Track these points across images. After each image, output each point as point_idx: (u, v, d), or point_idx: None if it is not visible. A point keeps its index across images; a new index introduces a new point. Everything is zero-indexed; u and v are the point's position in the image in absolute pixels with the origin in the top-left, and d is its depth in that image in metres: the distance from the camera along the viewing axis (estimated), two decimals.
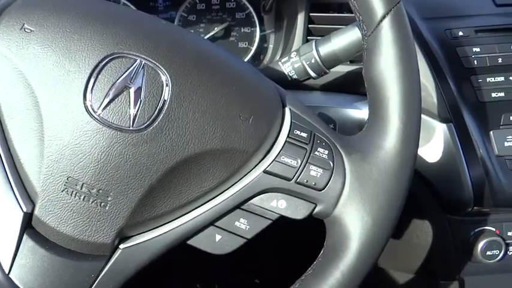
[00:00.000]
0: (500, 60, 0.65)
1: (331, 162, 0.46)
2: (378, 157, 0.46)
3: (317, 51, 0.60)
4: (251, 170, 0.46)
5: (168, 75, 0.44)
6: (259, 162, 0.46)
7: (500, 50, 0.65)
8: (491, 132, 0.64)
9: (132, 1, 0.78)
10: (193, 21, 0.80)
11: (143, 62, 0.44)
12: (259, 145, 0.45)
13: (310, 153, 0.46)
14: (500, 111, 0.64)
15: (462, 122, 0.64)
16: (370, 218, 0.45)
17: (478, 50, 0.65)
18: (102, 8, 0.47)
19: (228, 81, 0.46)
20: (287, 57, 0.62)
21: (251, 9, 0.80)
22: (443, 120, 0.64)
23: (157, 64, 0.44)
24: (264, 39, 0.81)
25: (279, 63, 0.62)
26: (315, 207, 0.46)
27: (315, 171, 0.45)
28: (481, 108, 0.64)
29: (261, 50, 0.81)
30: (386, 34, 0.46)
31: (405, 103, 0.46)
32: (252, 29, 0.81)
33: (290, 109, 0.47)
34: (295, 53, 0.61)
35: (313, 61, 0.60)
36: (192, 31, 0.80)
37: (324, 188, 0.45)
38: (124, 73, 0.43)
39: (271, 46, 0.82)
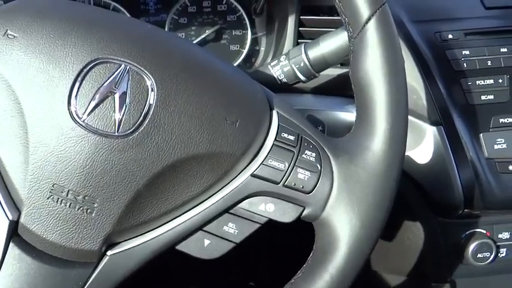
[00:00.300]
0: (489, 63, 0.65)
1: (318, 165, 0.45)
2: (366, 159, 0.46)
3: (306, 54, 0.60)
4: (239, 174, 0.45)
5: (153, 80, 0.44)
6: (247, 165, 0.45)
7: (489, 53, 0.65)
8: (481, 135, 0.64)
9: (123, 4, 0.77)
10: (185, 24, 0.79)
11: (128, 67, 0.43)
12: (247, 149, 0.45)
13: (297, 156, 0.45)
14: (490, 114, 0.64)
15: (452, 125, 0.64)
16: (358, 220, 0.45)
17: (467, 52, 0.65)
18: (86, 13, 0.47)
19: (214, 85, 0.46)
20: (276, 60, 0.62)
21: (242, 11, 0.80)
22: (433, 123, 0.64)
23: (142, 69, 0.44)
24: (255, 42, 0.81)
25: (269, 66, 0.62)
26: (303, 210, 0.46)
27: (302, 174, 0.45)
28: (471, 111, 0.64)
29: (253, 53, 0.81)
30: (372, 36, 0.46)
31: (391, 104, 0.46)
32: (244, 31, 0.80)
33: (277, 112, 0.47)
34: (284, 56, 0.61)
35: (302, 65, 0.60)
36: (183, 34, 0.80)
37: (311, 191, 0.45)
38: (108, 78, 0.43)
39: (262, 49, 0.81)
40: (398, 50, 0.48)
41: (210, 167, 0.44)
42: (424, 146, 0.64)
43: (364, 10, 0.46)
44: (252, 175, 0.45)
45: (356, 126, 0.48)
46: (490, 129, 0.64)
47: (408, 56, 0.65)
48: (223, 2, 0.80)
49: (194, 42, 0.79)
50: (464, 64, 0.65)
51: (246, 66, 0.81)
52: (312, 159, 0.46)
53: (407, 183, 0.64)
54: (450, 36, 0.67)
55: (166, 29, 0.79)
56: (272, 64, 0.62)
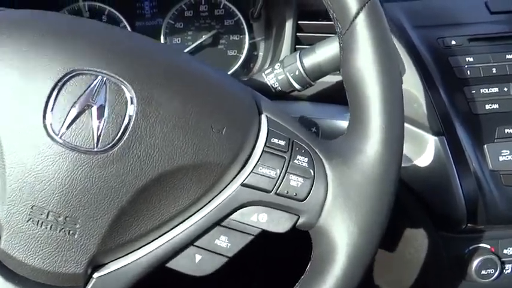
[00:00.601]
0: (494, 70, 0.62)
1: (311, 170, 0.44)
2: (361, 161, 0.44)
3: (301, 62, 0.58)
4: (228, 184, 0.44)
5: (132, 90, 0.42)
6: (236, 175, 0.44)
7: (494, 60, 0.63)
8: (485, 146, 0.61)
9: (119, 9, 0.77)
10: (181, 28, 0.78)
11: (105, 78, 0.42)
12: (235, 157, 0.43)
13: (289, 162, 0.44)
14: (495, 124, 0.61)
15: (454, 135, 0.61)
16: (356, 227, 0.43)
17: (471, 59, 0.63)
18: (60, 23, 0.45)
19: (198, 92, 0.44)
20: (271, 68, 0.60)
21: (240, 16, 0.78)
22: (434, 133, 0.62)
23: (120, 79, 0.42)
24: (253, 47, 0.79)
25: (263, 74, 0.60)
26: (298, 219, 0.44)
27: (295, 181, 0.43)
28: (475, 121, 0.61)
29: (251, 58, 0.80)
30: (362, 30, 0.44)
31: (386, 102, 0.44)
32: (241, 36, 0.79)
33: (266, 116, 0.45)
34: (279, 64, 0.59)
35: (297, 73, 0.58)
36: (180, 39, 0.78)
37: (305, 198, 0.43)
38: (85, 91, 0.41)
39: (261, 54, 0.80)
40: (391, 45, 0.46)
41: (197, 178, 0.43)
42: (425, 157, 0.62)
43: (352, 4, 0.44)
44: (242, 184, 0.43)
45: (350, 127, 0.46)
46: (495, 140, 0.61)
47: (409, 63, 0.63)
48: (221, 6, 0.78)
49: (191, 47, 0.78)
50: (468, 71, 0.63)
51: (244, 72, 0.80)
52: (305, 164, 0.44)
53: (408, 196, 0.62)
54: (453, 42, 0.64)
55: (162, 34, 0.78)
56: (266, 72, 0.60)
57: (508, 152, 0.60)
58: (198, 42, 0.77)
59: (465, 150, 0.61)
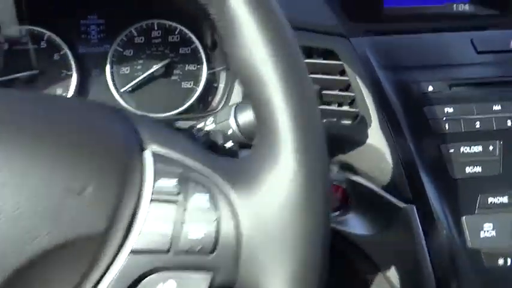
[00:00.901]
0: (478, 124, 0.54)
1: (213, 212, 0.34)
2: (274, 180, 0.34)
3: (235, 119, 0.48)
4: (115, 256, 0.34)
5: None
6: (122, 241, 0.34)
7: (478, 111, 0.54)
8: (463, 218, 0.52)
9: (60, 34, 0.70)
10: (130, 56, 0.71)
11: None
12: (113, 219, 0.34)
13: (184, 208, 0.34)
14: (476, 191, 0.53)
15: (427, 204, 0.53)
16: (287, 274, 0.34)
17: (451, 110, 0.54)
18: None
19: (41, 148, 0.34)
20: (203, 123, 0.50)
21: (197, 43, 0.71)
22: (403, 199, 0.54)
23: None
24: (212, 78, 0.72)
25: (193, 130, 0.51)
26: (213, 277, 0.35)
27: (195, 231, 0.34)
28: (452, 187, 0.53)
29: (209, 91, 0.72)
30: (241, 9, 0.35)
31: (292, 94, 0.34)
32: (199, 66, 0.71)
33: (152, 151, 0.36)
34: (212, 119, 0.50)
35: (230, 132, 0.48)
36: (128, 68, 0.71)
37: (214, 249, 0.34)
38: None
39: (221, 86, 0.72)
40: (281, 16, 0.36)
41: (68, 261, 0.33)
42: (391, 229, 0.53)
43: None
44: (133, 251, 0.34)
45: (256, 138, 0.37)
46: (476, 211, 0.53)
47: (375, 112, 0.55)
48: (176, 32, 0.72)
49: (140, 77, 0.71)
50: (447, 125, 0.54)
51: (200, 107, 0.72)
52: (205, 203, 0.34)
53: (373, 275, 0.54)
54: (430, 87, 0.56)
55: (108, 62, 0.71)
56: (198, 127, 0.50)
57: (491, 226, 0.51)
58: (149, 72, 0.70)
59: (439, 222, 0.53)
